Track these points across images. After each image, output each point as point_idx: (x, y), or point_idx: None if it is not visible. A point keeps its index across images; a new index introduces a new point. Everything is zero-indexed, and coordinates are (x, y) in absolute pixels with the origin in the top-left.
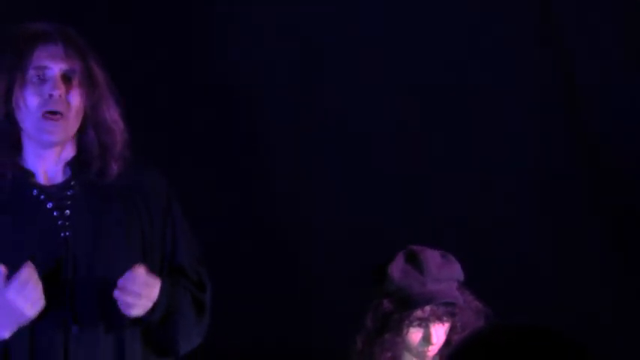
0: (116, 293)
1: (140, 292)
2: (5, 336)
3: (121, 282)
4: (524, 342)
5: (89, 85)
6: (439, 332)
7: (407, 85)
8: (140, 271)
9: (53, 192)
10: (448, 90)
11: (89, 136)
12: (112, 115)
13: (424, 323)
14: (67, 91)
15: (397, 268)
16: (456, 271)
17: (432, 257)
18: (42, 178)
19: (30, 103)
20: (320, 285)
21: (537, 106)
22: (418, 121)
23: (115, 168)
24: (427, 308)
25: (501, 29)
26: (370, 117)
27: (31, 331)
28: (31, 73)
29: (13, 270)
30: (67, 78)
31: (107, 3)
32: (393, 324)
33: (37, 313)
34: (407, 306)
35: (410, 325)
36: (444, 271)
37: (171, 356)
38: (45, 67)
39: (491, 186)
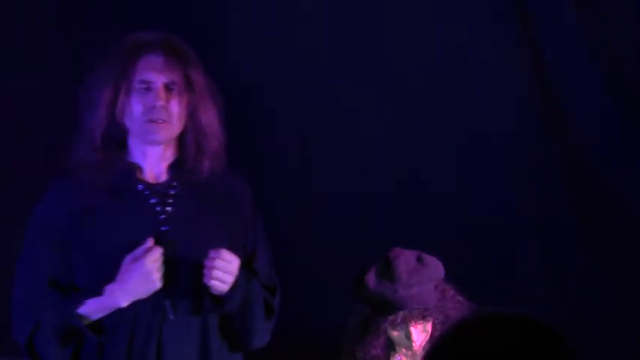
0: (207, 262)
1: (224, 266)
2: (123, 305)
3: (212, 252)
4: (502, 330)
5: (189, 92)
6: (419, 331)
7: (396, 89)
8: (224, 249)
9: (157, 189)
10: (438, 96)
11: (188, 139)
12: (209, 118)
13: (402, 325)
14: (169, 100)
15: (372, 276)
16: (432, 272)
17: (404, 263)
18: (147, 176)
19: (135, 110)
20: (318, 279)
21: (515, 110)
22: (407, 126)
23: (207, 166)
24: (400, 313)
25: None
26: (366, 119)
27: (133, 314)
28: (137, 84)
29: (110, 254)
30: (168, 88)
31: (108, 3)
32: (372, 327)
33: (156, 289)
34: (382, 311)
35: (388, 327)
36: (416, 276)
37: (242, 351)
38: (149, 81)
39: (477, 186)
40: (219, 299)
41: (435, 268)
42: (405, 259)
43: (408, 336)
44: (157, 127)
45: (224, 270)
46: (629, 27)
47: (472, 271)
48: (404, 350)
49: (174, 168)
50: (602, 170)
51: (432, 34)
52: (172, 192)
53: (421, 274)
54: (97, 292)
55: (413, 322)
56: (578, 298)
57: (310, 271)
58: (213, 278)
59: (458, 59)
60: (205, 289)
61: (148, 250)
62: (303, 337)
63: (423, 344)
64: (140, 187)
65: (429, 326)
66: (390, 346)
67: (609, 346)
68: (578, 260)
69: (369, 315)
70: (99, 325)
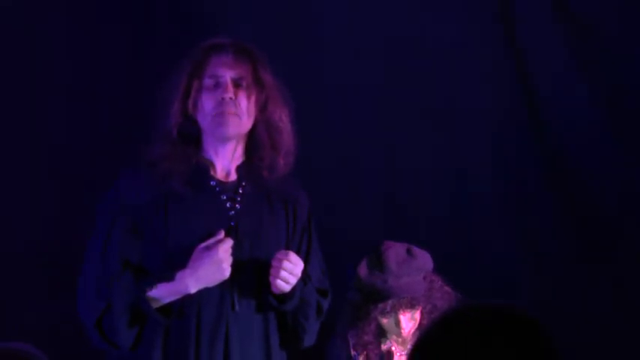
0: (274, 262)
1: (291, 268)
2: (191, 291)
3: (280, 254)
4: (487, 319)
5: (258, 88)
6: (407, 318)
7: (391, 93)
8: (290, 252)
9: (228, 187)
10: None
11: (260, 134)
12: (280, 115)
13: (391, 312)
14: (237, 95)
15: (363, 267)
16: (420, 264)
17: (394, 255)
18: (219, 174)
19: (206, 105)
20: None
21: (500, 114)
22: (399, 127)
23: (282, 163)
24: (389, 301)
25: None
26: (360, 121)
27: (199, 303)
28: (207, 80)
29: (182, 242)
30: (237, 83)
31: (108, 3)
32: (363, 315)
33: (224, 279)
34: (373, 300)
35: (378, 315)
36: (405, 267)
37: (292, 349)
38: (218, 75)
39: (464, 185)
40: (280, 297)
41: (424, 260)
42: (395, 251)
43: (397, 323)
44: (226, 120)
45: (290, 271)
46: (608, 38)
47: (457, 262)
48: (394, 337)
49: (243, 168)
50: (576, 167)
51: (424, 40)
52: (241, 191)
53: (410, 265)
54: (169, 277)
55: (402, 310)
56: (555, 283)
57: None
58: (279, 278)
59: (447, 65)
60: (267, 287)
61: (220, 240)
62: None
63: (411, 331)
64: (213, 183)
65: (417, 314)
66: (381, 333)
67: (584, 328)
68: (555, 249)
69: (360, 303)
70: (167, 309)
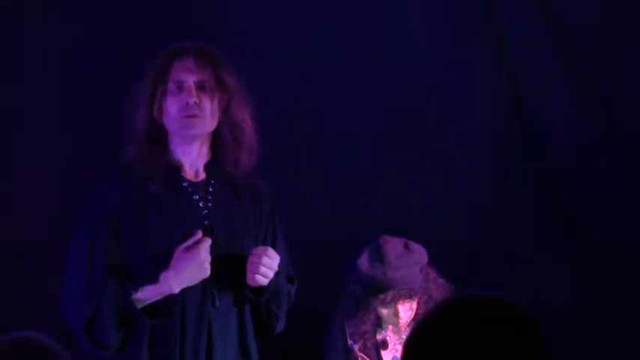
0: (252, 258)
1: (269, 263)
2: (175, 291)
3: (258, 250)
4: (479, 309)
5: (220, 90)
6: (405, 308)
7: (386, 100)
8: (268, 247)
9: (199, 186)
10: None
11: (224, 134)
12: (243, 114)
13: (391, 303)
14: (201, 97)
15: (364, 260)
16: (417, 257)
17: (393, 248)
18: (189, 174)
19: (171, 109)
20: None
21: (490, 118)
22: (393, 131)
23: (245, 160)
24: (390, 292)
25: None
26: (355, 123)
27: (182, 304)
28: (171, 84)
29: (162, 243)
30: (200, 86)
31: (108, 4)
32: (363, 305)
33: (206, 277)
34: (373, 291)
35: (378, 305)
36: (403, 260)
37: (264, 335)
38: (181, 80)
39: (456, 187)
40: (256, 290)
41: (420, 253)
42: (393, 245)
43: (396, 314)
44: (192, 122)
45: (268, 266)
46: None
47: (449, 257)
48: (390, 327)
49: (210, 167)
50: (564, 169)
51: (414, 43)
52: (211, 189)
53: (408, 258)
54: (153, 279)
55: (401, 301)
56: (541, 281)
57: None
58: (258, 273)
59: (439, 72)
60: (244, 280)
61: (199, 240)
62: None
63: (408, 321)
64: (185, 184)
65: (414, 305)
66: (379, 323)
67: (569, 325)
68: (542, 248)
69: (360, 294)
70: (152, 309)
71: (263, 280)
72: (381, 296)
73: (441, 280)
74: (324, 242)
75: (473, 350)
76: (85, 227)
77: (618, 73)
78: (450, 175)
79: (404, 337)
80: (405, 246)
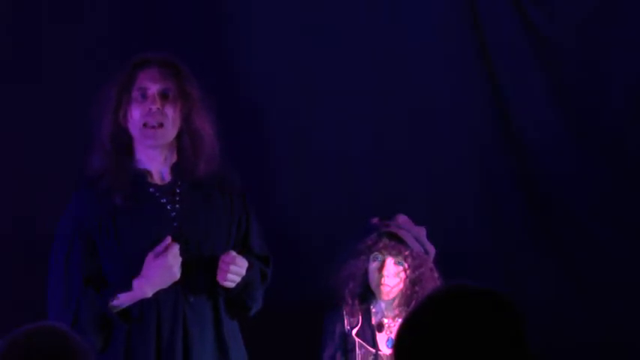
0: (222, 266)
1: (237, 270)
2: (149, 295)
3: (227, 258)
4: (469, 300)
5: (183, 100)
6: (391, 267)
7: (380, 107)
8: (236, 255)
9: (165, 190)
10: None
11: (184, 141)
12: (203, 124)
13: (380, 256)
14: (164, 105)
15: (376, 219)
16: (421, 232)
17: (402, 216)
18: (155, 178)
19: (135, 115)
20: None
21: (477, 123)
22: (390, 138)
23: (202, 168)
24: (382, 240)
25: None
26: (352, 125)
27: (157, 301)
28: (135, 92)
29: (134, 251)
30: (163, 95)
31: (109, 4)
32: (354, 253)
33: (177, 279)
34: (370, 237)
35: (367, 251)
36: (408, 224)
37: (241, 318)
38: (145, 88)
39: (444, 184)
40: (228, 288)
41: (424, 233)
42: (403, 216)
43: (380, 268)
44: (154, 133)
45: (235, 273)
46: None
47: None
48: (377, 287)
49: (176, 168)
50: (544, 171)
51: (402, 47)
52: (178, 190)
53: (414, 227)
54: (127, 286)
55: (388, 253)
56: (522, 275)
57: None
58: (227, 280)
59: (426, 76)
60: (215, 279)
61: (168, 246)
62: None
63: (392, 290)
64: (152, 189)
65: (401, 273)
66: (366, 290)
67: (551, 319)
68: (523, 245)
69: (353, 243)
70: (127, 313)
71: (231, 285)
72: (372, 237)
73: (436, 275)
74: (320, 239)
75: (464, 333)
76: (60, 242)
77: (598, 79)
78: (436, 176)
79: (397, 318)
80: (414, 222)
